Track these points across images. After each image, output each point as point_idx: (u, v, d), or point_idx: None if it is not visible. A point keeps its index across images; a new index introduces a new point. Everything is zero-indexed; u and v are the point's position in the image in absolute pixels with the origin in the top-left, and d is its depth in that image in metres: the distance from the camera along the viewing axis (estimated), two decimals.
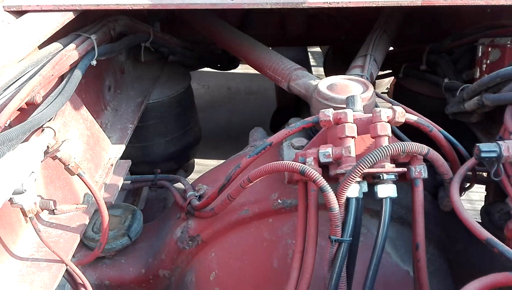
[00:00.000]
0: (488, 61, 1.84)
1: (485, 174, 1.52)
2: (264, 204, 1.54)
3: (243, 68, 5.45)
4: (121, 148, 1.93)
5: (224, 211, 1.57)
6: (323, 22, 2.50)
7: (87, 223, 1.53)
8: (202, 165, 3.41)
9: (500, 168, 1.17)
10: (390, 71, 2.76)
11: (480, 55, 1.89)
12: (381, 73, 2.85)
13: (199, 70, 3.19)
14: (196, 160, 3.16)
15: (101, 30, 1.75)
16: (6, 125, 1.14)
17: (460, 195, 2.12)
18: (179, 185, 1.98)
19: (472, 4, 1.48)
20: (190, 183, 1.89)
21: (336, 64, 3.08)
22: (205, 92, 5.31)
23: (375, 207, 1.40)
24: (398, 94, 2.61)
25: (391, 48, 2.68)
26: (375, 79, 3.03)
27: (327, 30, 2.63)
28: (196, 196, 1.70)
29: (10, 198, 1.17)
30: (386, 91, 2.96)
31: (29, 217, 1.24)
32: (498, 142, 1.17)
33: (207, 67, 3.03)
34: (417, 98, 2.36)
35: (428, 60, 2.31)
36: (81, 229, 1.50)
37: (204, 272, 1.61)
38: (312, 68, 4.25)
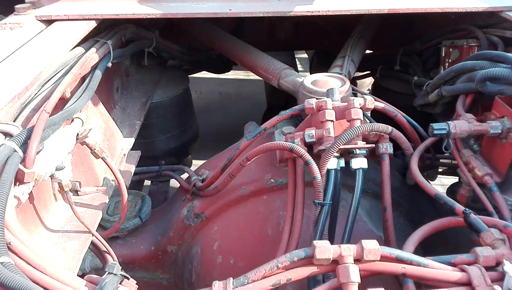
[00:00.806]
0: (450, 60, 2.15)
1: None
2: (259, 184, 1.82)
3: (233, 74, 5.76)
4: (131, 141, 2.20)
5: (225, 190, 1.85)
6: (308, 29, 2.80)
7: (107, 202, 1.80)
8: (197, 165, 3.68)
9: (449, 143, 1.47)
10: (369, 72, 3.08)
11: (443, 55, 2.20)
12: (361, 74, 3.17)
13: (192, 76, 3.47)
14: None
15: (115, 37, 2.02)
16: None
17: (433, 180, 2.43)
18: None
19: (431, 11, 1.79)
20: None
21: (321, 67, 3.39)
22: (198, 97, 5.58)
23: (354, 184, 1.69)
24: (376, 92, 2.93)
25: (370, 51, 3.00)
26: (357, 80, 3.36)
27: (312, 36, 2.94)
28: (200, 179, 1.98)
29: (52, 173, 1.43)
30: (368, 92, 3.26)
31: (66, 191, 1.51)
32: (448, 122, 1.48)
33: (204, 70, 3.33)
34: (392, 95, 2.67)
35: (401, 61, 2.63)
36: (102, 207, 1.76)
37: (208, 243, 1.88)
38: (300, 73, 4.56)
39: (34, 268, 1.00)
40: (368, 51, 2.98)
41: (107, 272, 1.04)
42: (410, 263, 0.99)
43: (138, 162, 2.22)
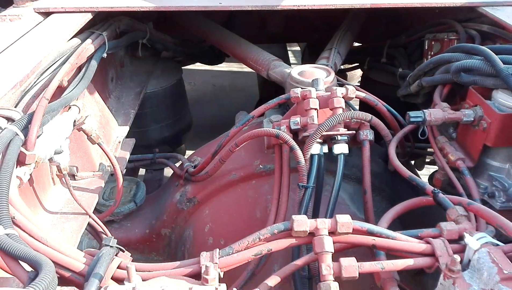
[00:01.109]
0: (432, 53, 2.25)
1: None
2: (249, 169, 1.92)
3: (227, 66, 5.84)
4: (126, 129, 2.29)
5: (215, 176, 1.95)
6: (298, 22, 2.89)
7: (103, 186, 1.89)
8: None
9: (425, 130, 1.57)
10: (358, 64, 3.18)
11: (426, 48, 2.30)
12: (350, 66, 3.27)
13: (185, 68, 3.55)
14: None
15: (110, 28, 2.11)
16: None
17: (421, 169, 2.53)
18: None
19: (412, 6, 1.89)
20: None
21: (311, 59, 3.48)
22: (191, 89, 5.65)
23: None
24: (364, 83, 3.03)
25: (359, 44, 3.10)
26: (347, 72, 3.46)
27: (302, 29, 3.02)
28: (192, 166, 2.08)
29: (51, 157, 1.52)
30: (358, 84, 3.36)
31: (64, 174, 1.60)
32: (423, 110, 1.58)
33: (197, 62, 3.41)
34: (379, 86, 2.77)
35: (387, 54, 2.73)
36: (98, 191, 1.85)
37: (200, 226, 1.98)
38: (293, 65, 4.66)
39: (37, 240, 1.09)
40: (356, 44, 3.09)
41: (104, 245, 1.14)
42: (379, 235, 1.10)
43: (133, 151, 2.31)
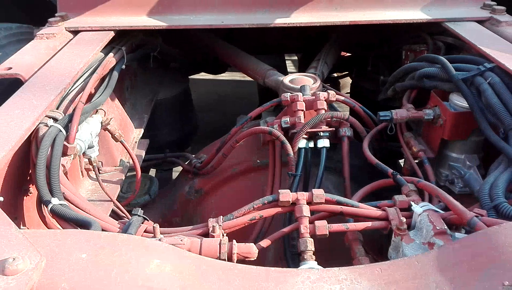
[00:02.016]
0: (408, 62, 2.59)
1: None
2: (247, 164, 2.26)
3: (230, 76, 6.20)
4: (141, 131, 2.64)
5: (219, 170, 2.29)
6: (292, 35, 3.24)
7: (123, 179, 2.23)
8: None
9: (392, 127, 1.91)
10: (347, 72, 3.53)
11: (403, 58, 2.64)
12: (340, 74, 3.62)
13: (192, 77, 3.90)
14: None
15: (127, 44, 2.46)
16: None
17: None
18: None
19: (384, 23, 2.23)
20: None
21: (305, 68, 3.82)
22: (196, 97, 6.01)
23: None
24: (353, 90, 3.38)
25: (349, 54, 3.45)
26: (339, 79, 3.80)
27: (297, 41, 3.37)
28: (199, 162, 2.42)
29: (84, 151, 1.86)
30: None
31: (93, 165, 1.94)
32: (391, 110, 1.92)
33: (201, 72, 3.77)
34: (366, 92, 3.12)
35: (373, 63, 3.07)
36: (119, 183, 2.19)
37: (206, 213, 2.31)
38: (291, 72, 5.00)
39: (82, 210, 1.43)
40: (347, 54, 3.44)
41: (133, 214, 1.47)
42: (346, 205, 1.43)
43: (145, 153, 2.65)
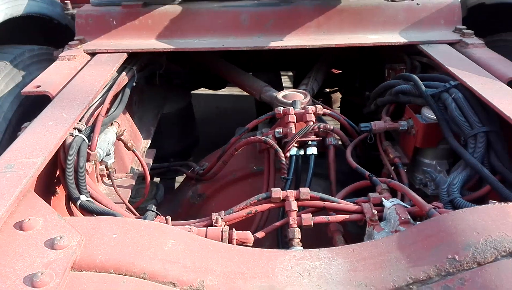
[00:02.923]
0: (390, 79, 2.88)
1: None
2: (245, 170, 2.53)
3: (229, 91, 6.51)
4: (149, 142, 2.91)
5: (220, 176, 2.56)
6: (287, 54, 3.53)
7: (134, 184, 2.49)
8: None
9: (371, 136, 2.19)
10: (337, 88, 3.83)
11: (386, 75, 2.94)
12: (331, 90, 3.92)
13: (192, 92, 4.20)
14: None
15: (138, 63, 2.75)
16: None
17: None
18: None
19: (365, 45, 2.52)
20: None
21: (299, 83, 4.13)
22: (196, 111, 6.31)
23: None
24: (343, 104, 3.67)
25: (339, 71, 3.74)
26: (331, 94, 4.09)
27: (290, 60, 3.67)
28: (201, 169, 2.69)
29: (102, 158, 2.13)
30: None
31: (109, 171, 2.21)
32: (371, 122, 2.20)
33: (203, 87, 4.07)
34: (354, 107, 3.40)
35: (360, 80, 3.36)
36: (130, 187, 2.45)
37: (208, 215, 2.56)
38: (286, 87, 5.31)
39: (105, 205, 1.70)
40: (337, 71, 3.74)
41: (147, 209, 1.74)
42: (328, 201, 1.70)
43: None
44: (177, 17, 2.65)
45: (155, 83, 3.39)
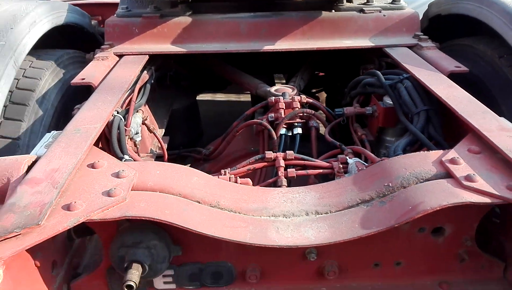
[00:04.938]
0: None
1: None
2: (244, 151, 3.16)
3: (226, 97, 7.18)
4: (163, 131, 3.55)
5: (223, 156, 3.19)
6: (278, 57, 4.20)
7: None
8: None
9: (344, 119, 2.84)
10: (322, 88, 4.50)
11: (360, 74, 3.59)
12: (317, 89, 4.58)
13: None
14: None
15: (155, 64, 3.40)
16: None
17: None
18: None
19: (341, 48, 3.19)
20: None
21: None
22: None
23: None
24: (328, 102, 4.33)
25: (323, 73, 4.41)
26: (317, 94, 4.75)
27: (281, 63, 4.34)
28: (208, 151, 3.32)
29: (132, 136, 2.75)
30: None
31: (137, 147, 2.83)
32: (343, 108, 2.86)
33: (206, 88, 4.72)
34: (337, 103, 4.05)
35: (340, 80, 4.02)
36: None
37: None
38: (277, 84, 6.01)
39: None
40: (321, 73, 4.41)
41: None
42: (308, 161, 2.34)
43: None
44: (188, 26, 3.31)
45: (165, 83, 4.04)
